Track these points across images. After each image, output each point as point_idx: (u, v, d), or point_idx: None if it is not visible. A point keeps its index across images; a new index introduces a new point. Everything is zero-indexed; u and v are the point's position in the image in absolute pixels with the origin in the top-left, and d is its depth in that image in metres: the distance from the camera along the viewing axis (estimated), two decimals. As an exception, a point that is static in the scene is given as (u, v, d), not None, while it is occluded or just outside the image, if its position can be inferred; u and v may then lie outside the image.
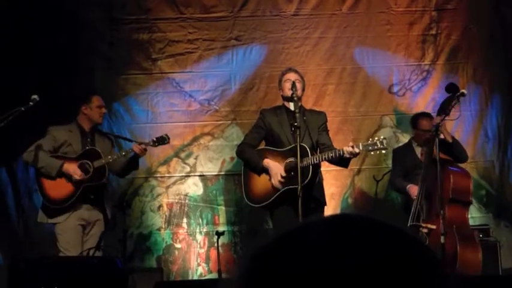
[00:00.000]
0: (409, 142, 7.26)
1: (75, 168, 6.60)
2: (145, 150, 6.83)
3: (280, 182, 6.30)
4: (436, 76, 8.41)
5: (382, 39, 8.49)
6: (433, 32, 8.47)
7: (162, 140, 6.95)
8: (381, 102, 8.38)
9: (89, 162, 6.67)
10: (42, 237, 7.33)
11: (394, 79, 8.46)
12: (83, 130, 6.85)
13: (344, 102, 8.39)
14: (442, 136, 6.48)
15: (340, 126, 8.29)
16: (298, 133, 5.98)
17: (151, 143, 6.92)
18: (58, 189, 6.61)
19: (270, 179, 6.39)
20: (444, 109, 6.49)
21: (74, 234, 6.66)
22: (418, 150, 7.06)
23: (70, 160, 6.66)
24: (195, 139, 8.32)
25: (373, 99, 8.40)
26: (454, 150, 6.65)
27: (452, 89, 6.64)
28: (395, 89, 8.44)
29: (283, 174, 6.31)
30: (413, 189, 6.65)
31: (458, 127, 8.18)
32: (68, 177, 6.61)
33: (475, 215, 8.09)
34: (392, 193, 7.93)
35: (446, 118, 6.56)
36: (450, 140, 6.71)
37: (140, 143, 6.88)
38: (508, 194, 8.20)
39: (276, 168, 6.35)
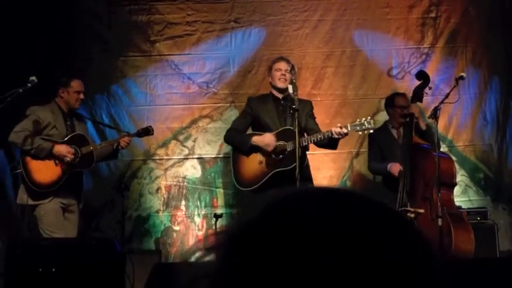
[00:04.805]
0: (385, 125, 7.27)
1: (67, 149, 6.57)
2: (128, 143, 6.91)
3: (276, 141, 6.36)
4: (435, 59, 8.40)
5: (381, 22, 8.46)
6: (433, 15, 8.44)
7: (147, 132, 7.05)
8: (380, 85, 8.36)
9: (77, 148, 6.65)
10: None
11: (394, 62, 8.45)
12: (63, 112, 6.81)
13: (343, 85, 8.38)
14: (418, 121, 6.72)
15: (339, 109, 8.30)
16: (296, 116, 6.05)
17: (137, 134, 7.02)
18: (45, 172, 6.55)
19: (260, 162, 6.48)
20: (417, 96, 6.65)
21: (58, 216, 6.61)
22: (394, 132, 7.13)
23: (58, 144, 6.63)
24: (194, 122, 8.31)
25: (372, 82, 8.39)
26: (427, 138, 6.69)
27: (422, 77, 6.72)
28: (394, 72, 8.43)
29: (274, 142, 6.39)
30: (395, 167, 6.69)
31: (457, 110, 8.18)
32: (59, 160, 6.57)
33: (473, 198, 8.12)
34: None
35: (445, 101, 6.61)
36: (424, 128, 6.76)
37: (127, 134, 6.93)
38: (506, 177, 8.21)
39: (267, 138, 6.43)
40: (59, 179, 6.57)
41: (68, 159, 6.54)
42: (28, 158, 6.55)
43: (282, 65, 6.62)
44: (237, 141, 6.71)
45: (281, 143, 6.41)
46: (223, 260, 0.86)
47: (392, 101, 7.20)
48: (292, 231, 0.83)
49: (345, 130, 6.17)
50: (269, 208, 0.88)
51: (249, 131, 6.81)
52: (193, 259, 0.90)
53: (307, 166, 6.65)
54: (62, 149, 6.56)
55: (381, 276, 0.81)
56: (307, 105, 6.76)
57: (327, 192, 0.91)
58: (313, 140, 6.34)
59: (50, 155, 6.53)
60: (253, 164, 6.55)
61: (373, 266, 0.81)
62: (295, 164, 6.04)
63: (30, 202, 6.57)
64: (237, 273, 0.83)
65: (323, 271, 0.81)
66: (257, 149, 6.55)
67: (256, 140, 6.52)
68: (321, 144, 6.52)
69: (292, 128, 6.23)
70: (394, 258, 0.83)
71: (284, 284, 0.81)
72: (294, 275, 0.81)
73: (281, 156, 6.41)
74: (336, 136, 6.21)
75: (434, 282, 0.86)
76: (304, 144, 6.31)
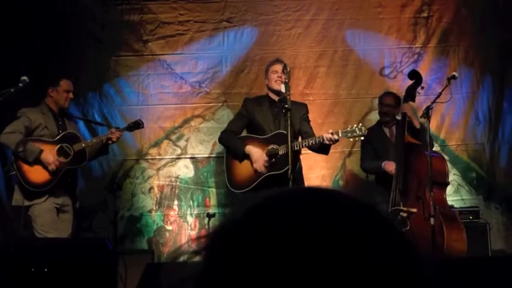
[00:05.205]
0: (377, 123, 7.29)
1: (52, 158, 6.54)
2: (118, 137, 6.90)
3: (264, 166, 6.40)
4: (428, 59, 8.41)
5: (373, 21, 8.47)
6: (425, 14, 8.46)
7: (137, 125, 7.03)
8: (372, 84, 8.37)
9: (69, 146, 6.65)
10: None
11: (386, 61, 8.46)
12: (53, 112, 6.82)
13: (335, 84, 8.39)
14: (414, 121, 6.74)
15: (332, 108, 8.30)
16: (288, 115, 6.07)
17: (127, 128, 7.01)
18: (38, 172, 6.54)
19: (252, 165, 6.49)
20: (409, 96, 6.67)
21: (52, 216, 6.62)
22: (387, 131, 7.14)
23: (49, 143, 6.62)
24: (186, 121, 8.31)
25: (364, 82, 8.40)
26: (420, 137, 6.70)
27: (414, 76, 6.73)
28: (386, 71, 8.44)
29: (266, 158, 6.41)
30: (390, 165, 6.71)
31: (449, 110, 8.19)
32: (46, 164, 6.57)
33: (465, 197, 8.13)
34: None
35: (438, 101, 6.62)
36: (418, 126, 6.76)
37: (116, 129, 6.92)
38: (498, 176, 8.22)
39: (258, 153, 6.47)
40: (53, 177, 6.56)
41: (51, 168, 6.53)
42: (20, 159, 6.55)
43: (279, 67, 6.63)
44: (232, 145, 6.72)
45: (274, 146, 6.44)
46: (206, 262, 0.86)
47: (379, 99, 7.26)
48: (274, 232, 0.83)
49: (335, 137, 6.22)
50: (251, 210, 0.88)
51: (244, 133, 6.83)
52: (182, 259, 0.89)
53: (300, 170, 6.68)
54: (48, 157, 6.54)
55: (367, 277, 0.81)
56: (302, 108, 6.78)
57: (309, 192, 0.90)
58: (305, 145, 6.40)
59: (38, 160, 6.52)
60: (245, 166, 6.57)
61: (359, 267, 0.81)
62: (287, 167, 6.07)
63: (26, 203, 6.57)
64: (219, 276, 0.83)
65: (305, 272, 0.80)
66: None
67: (249, 151, 6.54)
68: (312, 148, 6.56)
69: (285, 132, 6.25)
70: (380, 259, 0.82)
71: (267, 286, 0.80)
72: (277, 276, 0.80)
73: (273, 159, 6.44)
74: (327, 142, 6.24)
75: (421, 283, 0.86)
76: (296, 148, 6.35)
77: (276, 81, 6.58)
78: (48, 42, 8.06)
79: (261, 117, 6.66)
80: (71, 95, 6.86)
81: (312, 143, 6.33)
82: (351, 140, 6.58)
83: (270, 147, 6.47)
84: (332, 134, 6.21)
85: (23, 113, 6.66)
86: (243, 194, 6.61)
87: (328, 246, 0.81)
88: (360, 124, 6.40)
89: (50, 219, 6.59)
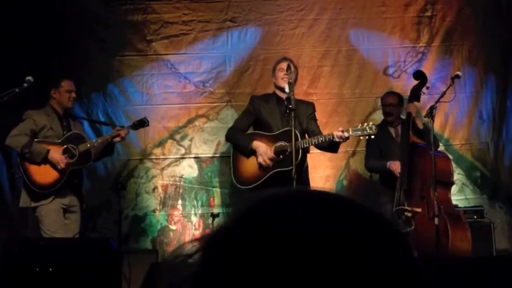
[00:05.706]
0: (383, 122, 7.29)
1: (60, 156, 6.58)
2: (126, 135, 6.91)
3: (269, 159, 6.40)
4: (431, 58, 8.40)
5: (377, 20, 8.46)
6: (428, 13, 8.45)
7: (142, 123, 7.04)
8: (376, 84, 8.37)
9: (75, 146, 6.67)
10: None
11: (390, 61, 8.45)
12: (58, 114, 6.84)
13: (339, 84, 8.38)
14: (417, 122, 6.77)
15: (335, 108, 8.30)
16: (292, 115, 6.07)
17: (132, 127, 7.02)
18: (44, 173, 6.56)
19: (260, 162, 6.50)
20: (414, 96, 6.71)
21: (58, 216, 6.64)
22: (392, 131, 7.15)
23: (55, 145, 6.64)
24: (190, 121, 8.31)
25: (368, 81, 8.39)
26: (424, 137, 6.70)
27: (420, 76, 6.73)
28: (390, 70, 8.43)
29: (271, 154, 6.42)
30: (395, 165, 6.72)
31: (453, 109, 8.19)
32: (53, 164, 6.60)
33: (469, 197, 8.12)
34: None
35: (441, 100, 6.63)
36: (421, 127, 6.77)
37: (121, 127, 6.93)
38: (502, 175, 8.21)
39: (264, 148, 6.48)
40: (59, 179, 6.58)
41: (62, 166, 6.55)
42: (26, 161, 6.57)
43: (285, 65, 6.63)
44: (239, 141, 6.74)
45: (282, 143, 6.45)
46: (204, 261, 0.86)
47: (381, 100, 7.30)
48: (275, 232, 0.83)
49: (346, 134, 6.22)
50: (250, 209, 0.88)
51: (251, 130, 6.84)
52: (181, 259, 0.89)
53: (307, 169, 6.69)
54: (56, 155, 6.57)
55: (366, 280, 0.81)
56: (309, 107, 6.80)
57: (311, 194, 0.90)
58: (314, 142, 6.40)
59: (45, 160, 6.55)
60: (252, 162, 6.58)
61: (358, 269, 0.81)
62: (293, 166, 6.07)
63: (33, 204, 6.60)
64: (216, 275, 0.83)
65: (304, 273, 0.80)
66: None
67: (256, 146, 6.55)
68: (321, 146, 6.56)
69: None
70: (379, 262, 0.82)
71: (265, 286, 0.80)
72: (275, 277, 0.80)
73: (281, 156, 6.45)
74: (337, 140, 6.25)
75: (420, 286, 0.86)
76: (304, 146, 6.36)
77: (282, 78, 6.60)
78: (50, 42, 8.06)
79: (268, 115, 6.67)
80: (73, 95, 6.87)
81: (321, 140, 6.34)
82: (361, 138, 6.59)
83: (279, 144, 6.49)
84: (342, 131, 6.22)
85: (28, 115, 6.69)
86: (249, 190, 6.62)
87: (329, 249, 0.81)
88: (371, 123, 6.39)
89: (56, 220, 6.61)
